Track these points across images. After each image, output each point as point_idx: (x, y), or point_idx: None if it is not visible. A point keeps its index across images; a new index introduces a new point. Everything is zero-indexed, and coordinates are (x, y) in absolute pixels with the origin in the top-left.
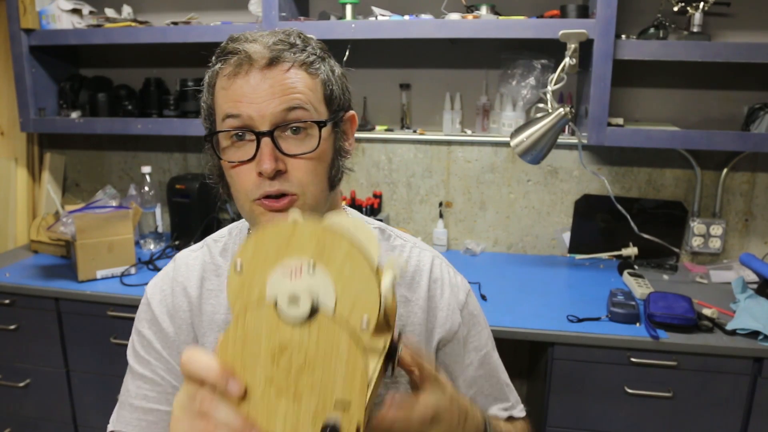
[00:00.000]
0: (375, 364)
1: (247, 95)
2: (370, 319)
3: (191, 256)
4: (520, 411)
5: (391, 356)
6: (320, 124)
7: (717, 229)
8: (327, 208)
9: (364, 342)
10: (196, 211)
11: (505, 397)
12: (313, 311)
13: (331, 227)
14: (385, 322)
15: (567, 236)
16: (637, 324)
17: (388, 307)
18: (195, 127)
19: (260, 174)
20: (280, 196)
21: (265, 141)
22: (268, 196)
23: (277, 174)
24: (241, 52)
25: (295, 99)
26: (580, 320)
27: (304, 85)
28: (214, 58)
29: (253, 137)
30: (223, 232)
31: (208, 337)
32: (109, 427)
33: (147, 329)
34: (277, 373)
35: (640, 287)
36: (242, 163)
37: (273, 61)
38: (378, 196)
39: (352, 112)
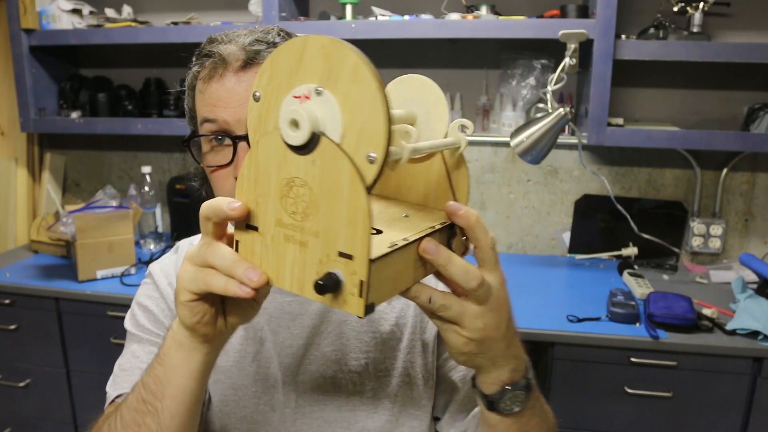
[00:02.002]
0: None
1: (223, 99)
2: (378, 156)
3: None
4: None
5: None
6: None
7: (717, 229)
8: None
9: (369, 179)
10: (196, 211)
11: None
12: (316, 138)
13: (340, 40)
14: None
15: (567, 236)
16: (637, 324)
17: (455, 181)
18: None
19: (237, 179)
20: None
21: (242, 146)
22: None
23: None
24: (215, 55)
25: None
26: (580, 320)
27: None
28: (193, 59)
29: (230, 142)
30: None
31: None
32: (112, 393)
33: (155, 306)
34: (284, 215)
35: (640, 287)
36: (220, 167)
37: (248, 63)
38: None
39: None
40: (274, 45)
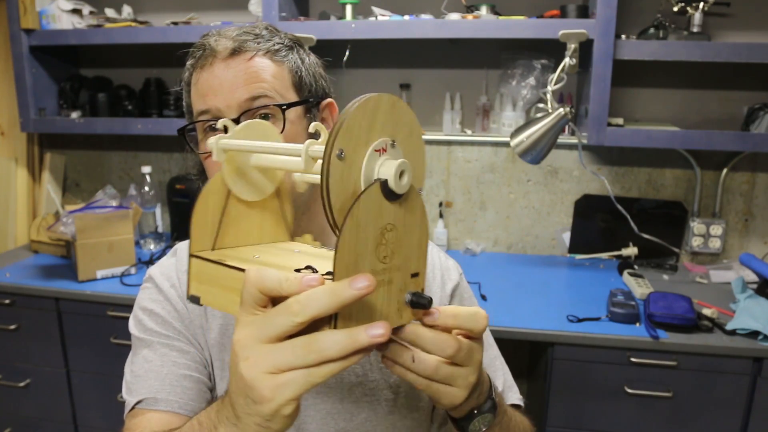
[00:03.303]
0: None
1: (213, 87)
2: (423, 188)
3: None
4: (515, 399)
5: None
6: (282, 107)
7: (717, 229)
8: (309, 195)
9: None
10: None
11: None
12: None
13: (399, 98)
14: None
15: (567, 236)
16: (637, 324)
17: (285, 209)
18: None
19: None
20: None
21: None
22: None
23: None
24: (206, 46)
25: (258, 87)
26: (580, 320)
27: (269, 74)
28: (187, 57)
29: (223, 127)
30: None
31: (212, 322)
32: (131, 400)
33: (161, 309)
34: (377, 262)
35: (640, 287)
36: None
37: (235, 51)
38: None
39: (329, 99)
40: (261, 37)
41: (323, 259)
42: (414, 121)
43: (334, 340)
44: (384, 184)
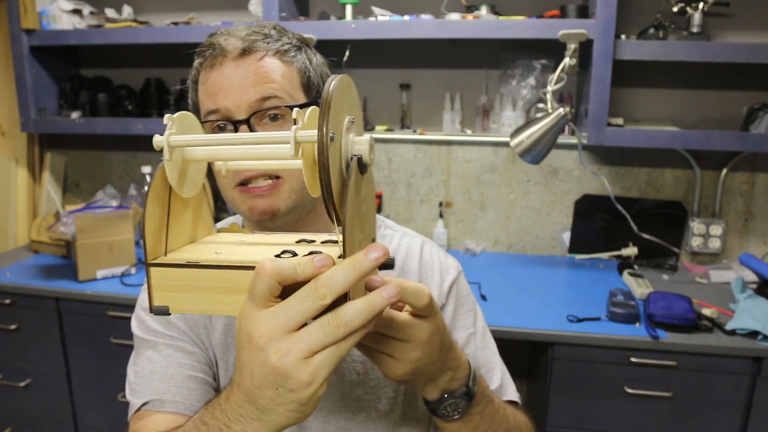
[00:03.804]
0: None
1: (223, 87)
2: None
3: None
4: (512, 396)
5: None
6: (293, 108)
7: (716, 229)
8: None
9: None
10: None
11: (488, 379)
12: None
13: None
14: None
15: (567, 236)
16: (637, 324)
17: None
18: None
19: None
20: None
21: (243, 129)
22: (247, 183)
23: None
24: (215, 46)
25: (269, 88)
26: (580, 320)
27: (278, 74)
28: (195, 56)
29: (233, 127)
30: (229, 219)
31: (216, 323)
32: (136, 402)
33: None
34: (359, 233)
35: (639, 287)
36: None
37: (246, 51)
38: (378, 197)
39: None
40: (270, 37)
41: (269, 245)
42: (357, 97)
43: (357, 309)
44: (360, 159)
